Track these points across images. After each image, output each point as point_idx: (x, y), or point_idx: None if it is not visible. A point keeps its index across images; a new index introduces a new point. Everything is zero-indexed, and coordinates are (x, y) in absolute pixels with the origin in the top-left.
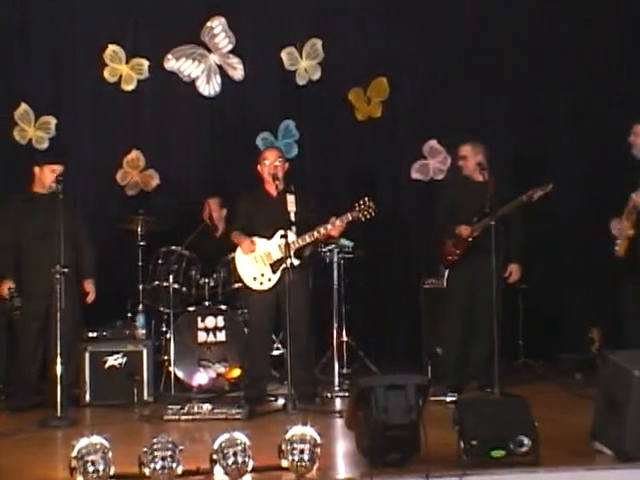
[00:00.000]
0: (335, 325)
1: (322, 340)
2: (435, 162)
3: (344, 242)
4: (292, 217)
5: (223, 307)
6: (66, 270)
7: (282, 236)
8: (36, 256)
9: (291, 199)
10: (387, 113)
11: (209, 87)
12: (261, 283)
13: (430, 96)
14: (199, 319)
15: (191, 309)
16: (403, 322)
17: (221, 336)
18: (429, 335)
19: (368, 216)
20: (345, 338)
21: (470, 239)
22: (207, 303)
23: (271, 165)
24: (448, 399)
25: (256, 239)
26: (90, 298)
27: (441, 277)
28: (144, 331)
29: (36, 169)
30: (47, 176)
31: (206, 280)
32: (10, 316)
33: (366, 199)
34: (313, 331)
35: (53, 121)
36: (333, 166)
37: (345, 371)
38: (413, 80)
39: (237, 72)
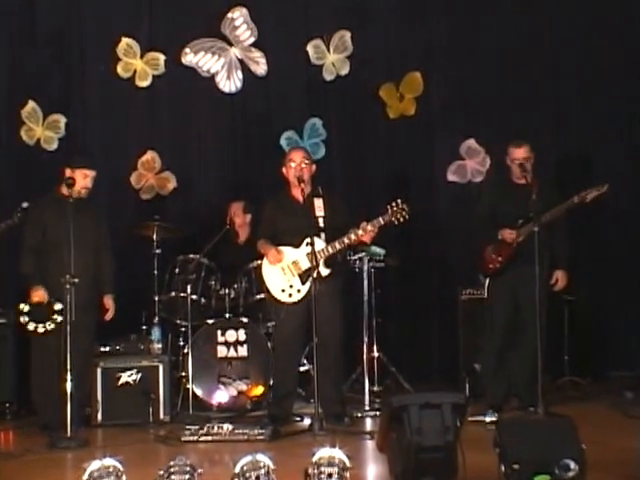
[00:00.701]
0: (365, 339)
1: (351, 355)
2: (473, 163)
3: (375, 250)
4: (320, 223)
5: (245, 320)
6: (76, 280)
7: (309, 244)
8: (65, 263)
9: (319, 203)
10: (421, 110)
11: (230, 83)
12: (290, 295)
13: (468, 92)
14: (219, 332)
15: (210, 322)
16: (439, 336)
17: (243, 351)
18: (467, 350)
19: (401, 219)
20: (376, 353)
21: (514, 245)
22: (228, 315)
23: (297, 167)
24: (488, 419)
25: (283, 248)
26: (109, 315)
27: (480, 287)
28: (160, 345)
29: (67, 171)
30: (78, 180)
31: (226, 290)
32: (25, 330)
33: (399, 201)
34: (343, 346)
35: (62, 120)
36: (363, 168)
37: (376, 389)
38: (449, 75)
39: (260, 67)
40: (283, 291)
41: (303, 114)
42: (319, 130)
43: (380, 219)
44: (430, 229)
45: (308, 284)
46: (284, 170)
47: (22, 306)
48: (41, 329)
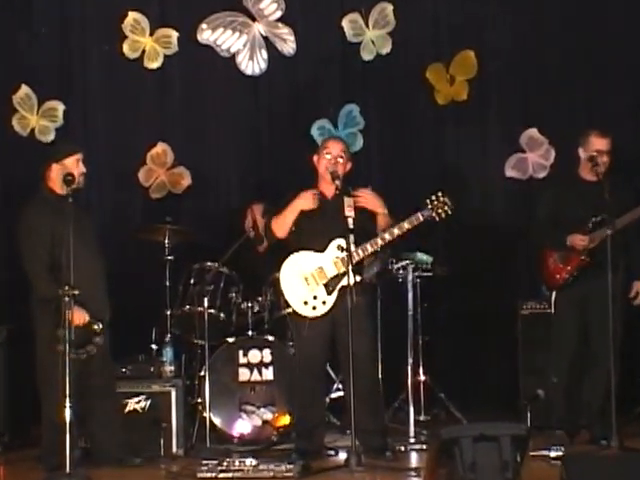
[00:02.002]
0: (410, 361)
1: (393, 379)
2: (535, 156)
3: (421, 257)
4: (349, 223)
5: (270, 338)
6: (76, 292)
7: (340, 247)
8: (83, 274)
9: (349, 202)
10: (475, 95)
11: (253, 64)
12: (314, 308)
13: (529, 73)
14: (240, 353)
15: (231, 340)
16: (495, 357)
17: (268, 374)
18: (528, 373)
19: (443, 215)
20: (422, 377)
21: (585, 253)
22: (250, 333)
23: (333, 159)
24: (553, 454)
25: (306, 253)
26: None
27: (544, 300)
28: (172, 367)
29: (54, 167)
30: (73, 170)
31: (249, 304)
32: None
33: (439, 194)
34: (381, 368)
35: (60, 107)
36: (406, 162)
37: (422, 418)
38: (507, 54)
39: (287, 45)
40: (306, 304)
41: (338, 100)
42: (356, 118)
43: (419, 215)
44: (485, 233)
45: (335, 294)
46: (315, 159)
47: (60, 332)
48: (83, 355)
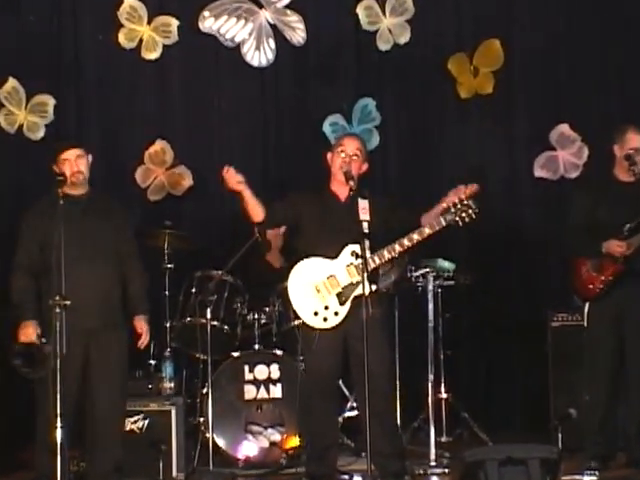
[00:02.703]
0: (430, 377)
1: (412, 397)
2: (567, 154)
3: (443, 264)
4: (364, 228)
5: (278, 352)
6: (68, 302)
7: (354, 253)
8: (74, 280)
9: (364, 205)
10: (500, 88)
11: (259, 54)
12: (325, 319)
13: (560, 64)
14: (246, 368)
15: (235, 355)
16: (523, 373)
17: (276, 391)
18: (559, 391)
19: (467, 219)
20: (444, 394)
21: (621, 260)
22: (257, 347)
23: (347, 158)
24: (586, 478)
25: (317, 260)
26: (143, 342)
27: (576, 311)
28: (172, 384)
29: (54, 168)
30: (67, 167)
31: (256, 316)
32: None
33: (463, 196)
34: (398, 385)
35: (50, 102)
36: (426, 161)
37: (444, 439)
38: (536, 43)
39: (297, 34)
40: (316, 314)
41: (351, 94)
42: (372, 113)
43: (441, 219)
44: (512, 238)
45: (349, 305)
46: (329, 157)
47: (14, 346)
48: (32, 375)
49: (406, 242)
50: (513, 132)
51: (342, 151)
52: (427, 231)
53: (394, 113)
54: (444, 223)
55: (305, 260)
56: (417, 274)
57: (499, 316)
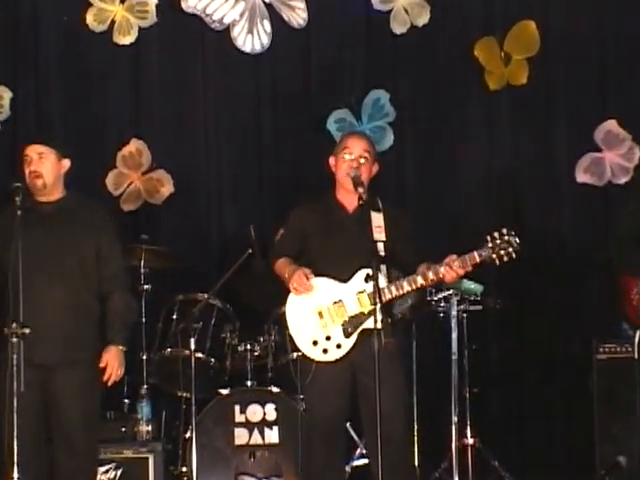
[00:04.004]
0: (454, 418)
1: (433, 443)
2: (615, 156)
3: (469, 285)
4: (380, 249)
5: (275, 390)
6: (27, 331)
7: (369, 278)
8: (29, 307)
9: (378, 221)
10: (536, 78)
11: (252, 39)
12: (325, 351)
13: (606, 51)
14: (237, 409)
15: (224, 392)
16: (563, 414)
17: (272, 436)
18: (605, 434)
19: (506, 258)
20: (470, 439)
21: None
22: (249, 383)
23: (354, 161)
24: None
25: (324, 280)
26: (113, 375)
27: (625, 342)
28: (150, 428)
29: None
30: (27, 166)
31: (248, 346)
32: None
33: (504, 230)
34: (417, 428)
35: (6, 95)
36: (449, 165)
37: None
38: (578, 25)
39: (297, 14)
40: (315, 344)
41: (361, 85)
42: (384, 108)
43: (475, 254)
44: (549, 254)
45: (355, 337)
46: (332, 162)
47: None
48: None
49: (431, 276)
50: (551, 130)
51: (347, 153)
52: (457, 266)
53: (410, 108)
54: (478, 259)
55: (312, 278)
56: (438, 297)
57: (535, 347)
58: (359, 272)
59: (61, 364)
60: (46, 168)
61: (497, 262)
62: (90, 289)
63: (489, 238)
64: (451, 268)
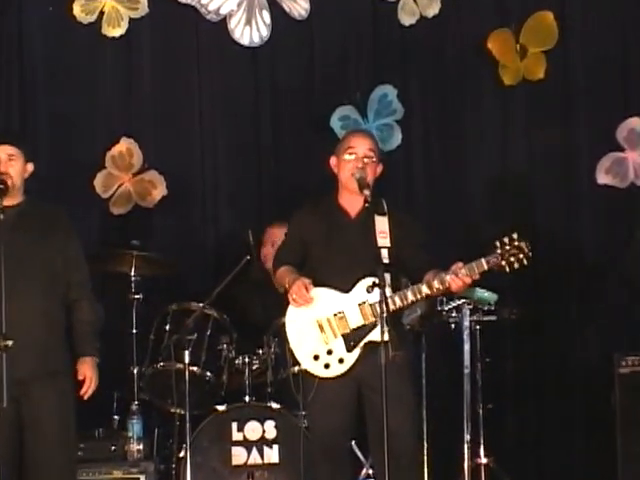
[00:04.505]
0: (467, 437)
1: (445, 463)
2: (638, 156)
3: (483, 294)
4: (384, 257)
5: (275, 406)
6: (9, 343)
7: (371, 289)
8: (8, 310)
9: (382, 226)
10: (554, 72)
11: (250, 31)
12: (326, 366)
13: (629, 43)
14: (234, 426)
15: (221, 409)
16: (583, 433)
17: (272, 455)
18: (629, 456)
19: (516, 264)
20: (483, 459)
21: None
22: (248, 399)
23: (358, 161)
24: None
25: (325, 291)
26: (86, 390)
27: None
28: (141, 446)
29: None
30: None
31: (246, 359)
32: None
33: (514, 236)
34: (426, 447)
35: None
36: (461, 165)
37: None
38: (598, 17)
39: (298, 5)
40: (316, 358)
41: (367, 79)
42: (392, 104)
43: (483, 261)
44: (568, 261)
45: (358, 351)
46: (334, 162)
47: None
48: None
49: (436, 284)
50: (570, 128)
51: (351, 152)
52: (463, 274)
53: (420, 104)
54: (486, 267)
55: (310, 289)
56: (450, 307)
57: (552, 360)
58: (361, 281)
59: (37, 377)
60: (15, 170)
61: (507, 269)
62: (58, 297)
63: (498, 244)
64: (457, 276)
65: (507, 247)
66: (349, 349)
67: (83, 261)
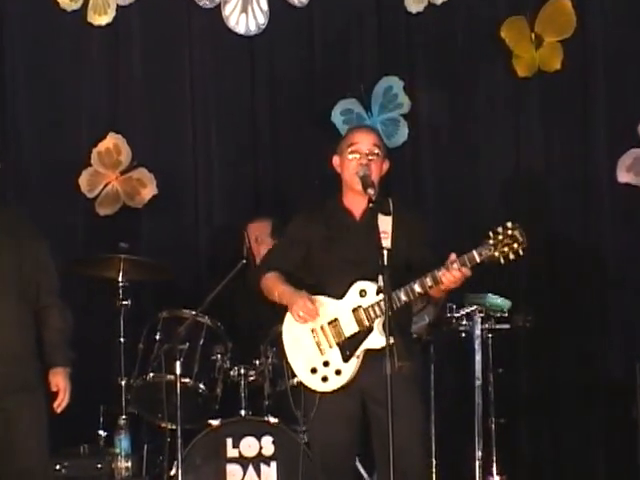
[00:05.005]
0: (479, 453)
1: None
2: None
3: (494, 301)
4: (385, 257)
5: (272, 420)
6: None
7: (363, 293)
8: None
9: (385, 226)
10: (571, 63)
11: (247, 18)
12: (324, 379)
13: None
14: (229, 442)
15: (215, 424)
16: (604, 446)
17: (269, 473)
18: None
19: (511, 255)
20: (496, 477)
21: None
22: (244, 413)
23: (362, 159)
24: None
25: (321, 299)
26: (61, 402)
27: None
28: (129, 464)
29: None
30: None
31: (242, 371)
32: None
33: (508, 224)
34: (435, 464)
35: None
36: (469, 161)
37: None
38: (617, 4)
39: None
40: (314, 371)
41: (371, 70)
42: (398, 98)
43: (474, 253)
44: (587, 265)
45: (355, 362)
46: (336, 161)
47: None
48: None
49: (428, 282)
50: (588, 123)
51: (354, 150)
52: (455, 267)
53: (427, 97)
54: (478, 259)
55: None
56: (460, 314)
57: (570, 371)
58: (354, 286)
59: (12, 391)
60: None
61: (502, 261)
62: (29, 303)
63: (491, 234)
64: (448, 270)
65: (500, 237)
66: (345, 359)
67: (52, 264)
